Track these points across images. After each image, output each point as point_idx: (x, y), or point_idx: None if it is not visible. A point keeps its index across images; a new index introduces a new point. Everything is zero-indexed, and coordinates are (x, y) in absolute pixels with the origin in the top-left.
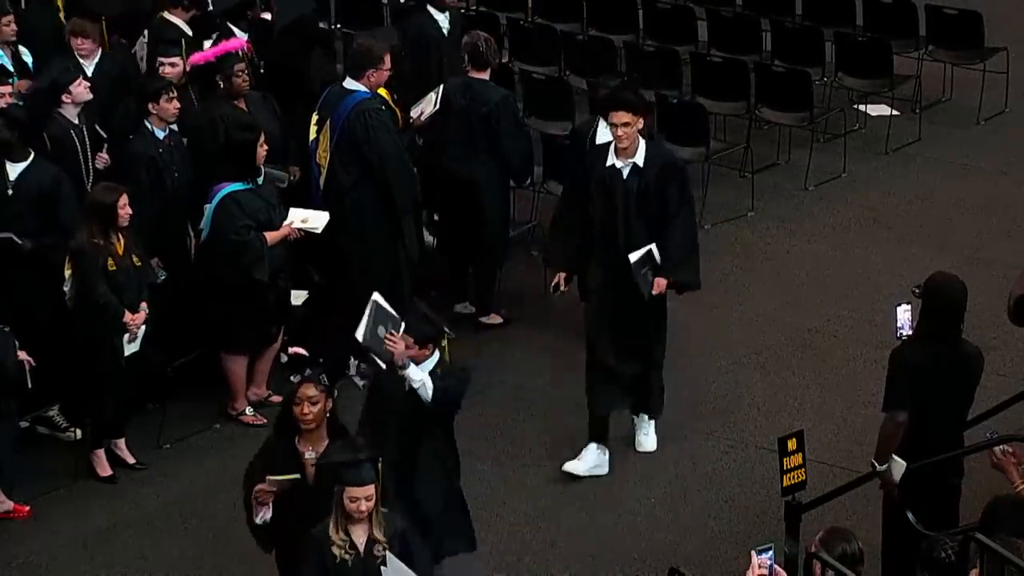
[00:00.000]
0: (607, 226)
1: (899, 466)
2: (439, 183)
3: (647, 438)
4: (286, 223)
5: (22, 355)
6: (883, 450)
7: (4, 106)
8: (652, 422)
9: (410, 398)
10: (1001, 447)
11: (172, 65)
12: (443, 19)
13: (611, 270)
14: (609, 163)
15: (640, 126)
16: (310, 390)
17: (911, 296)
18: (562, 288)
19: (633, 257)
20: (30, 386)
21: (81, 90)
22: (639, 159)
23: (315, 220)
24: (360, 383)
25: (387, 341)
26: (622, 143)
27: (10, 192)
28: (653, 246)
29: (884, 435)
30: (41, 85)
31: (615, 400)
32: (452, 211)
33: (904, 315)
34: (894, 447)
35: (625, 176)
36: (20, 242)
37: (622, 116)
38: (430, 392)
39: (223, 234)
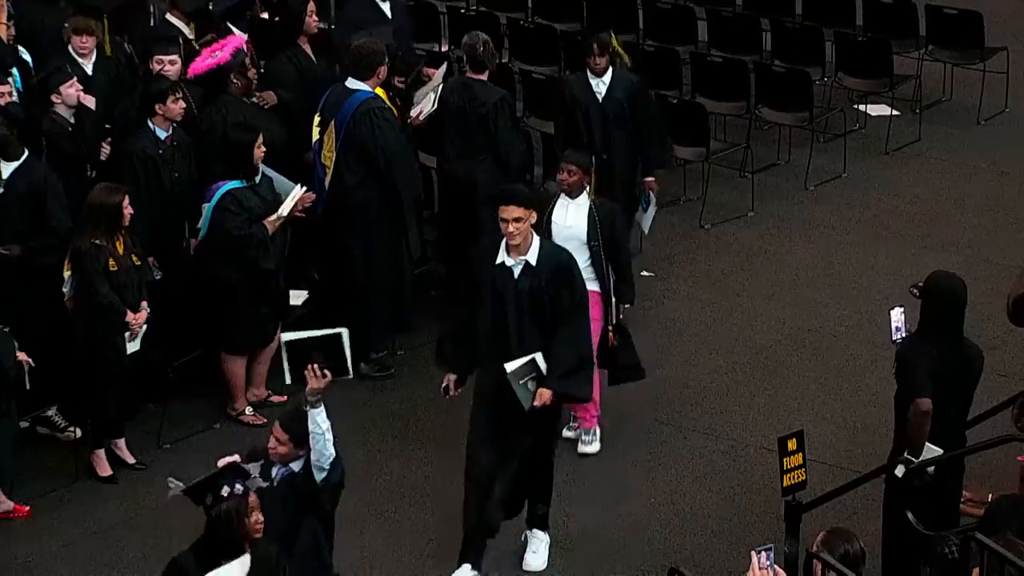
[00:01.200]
0: (497, 330)
1: (933, 450)
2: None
3: (535, 556)
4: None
5: (21, 356)
6: (916, 442)
7: (2, 104)
8: (544, 537)
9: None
10: None
11: (171, 63)
12: (385, 7)
13: (501, 378)
14: (499, 260)
15: (534, 220)
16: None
17: (909, 297)
18: (451, 392)
19: (511, 367)
20: (28, 387)
21: (71, 92)
22: (532, 257)
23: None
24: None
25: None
26: (513, 240)
27: (1, 190)
28: (537, 355)
29: (914, 426)
30: (34, 83)
31: (497, 516)
32: (450, 211)
33: (898, 318)
34: (925, 436)
35: (516, 275)
36: (7, 251)
37: (513, 211)
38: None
39: (224, 231)
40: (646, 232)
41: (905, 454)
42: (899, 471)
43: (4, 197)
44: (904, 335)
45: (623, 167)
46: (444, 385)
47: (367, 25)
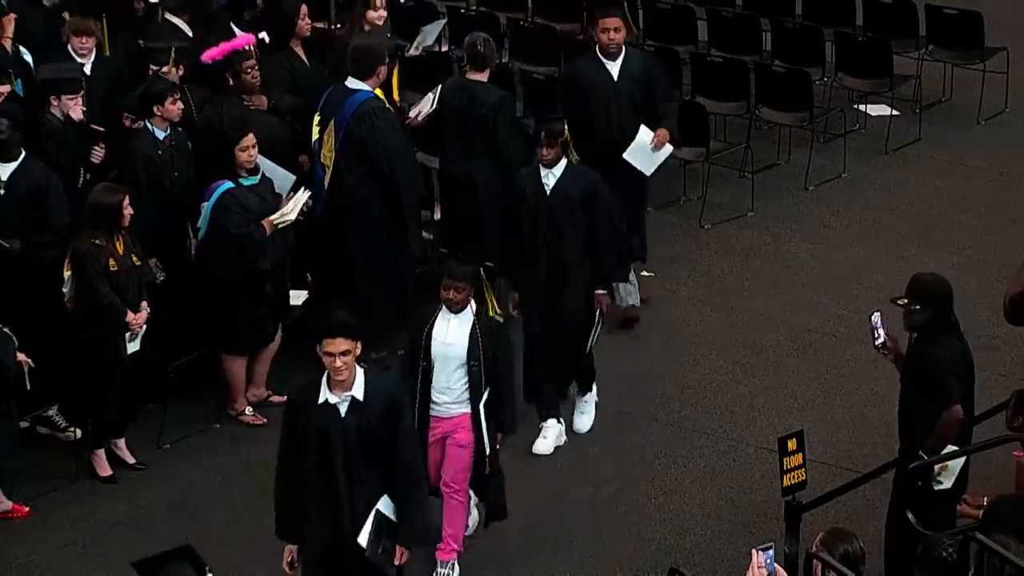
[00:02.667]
0: (324, 476)
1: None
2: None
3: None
4: (273, 218)
5: (21, 357)
6: (941, 445)
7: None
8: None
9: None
10: None
11: (164, 74)
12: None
13: (333, 533)
14: (322, 399)
15: (358, 352)
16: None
17: (903, 300)
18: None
19: (363, 539)
20: (28, 388)
21: (71, 104)
22: (358, 391)
23: (292, 208)
24: None
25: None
26: (339, 375)
27: (1, 192)
28: (380, 504)
29: (948, 432)
30: (38, 78)
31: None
32: (450, 212)
33: (878, 321)
34: (950, 441)
35: (343, 414)
36: (7, 244)
37: (340, 344)
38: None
39: (223, 230)
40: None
41: (923, 456)
42: (938, 483)
43: (4, 198)
44: (884, 339)
45: (575, 267)
46: (286, 561)
47: None
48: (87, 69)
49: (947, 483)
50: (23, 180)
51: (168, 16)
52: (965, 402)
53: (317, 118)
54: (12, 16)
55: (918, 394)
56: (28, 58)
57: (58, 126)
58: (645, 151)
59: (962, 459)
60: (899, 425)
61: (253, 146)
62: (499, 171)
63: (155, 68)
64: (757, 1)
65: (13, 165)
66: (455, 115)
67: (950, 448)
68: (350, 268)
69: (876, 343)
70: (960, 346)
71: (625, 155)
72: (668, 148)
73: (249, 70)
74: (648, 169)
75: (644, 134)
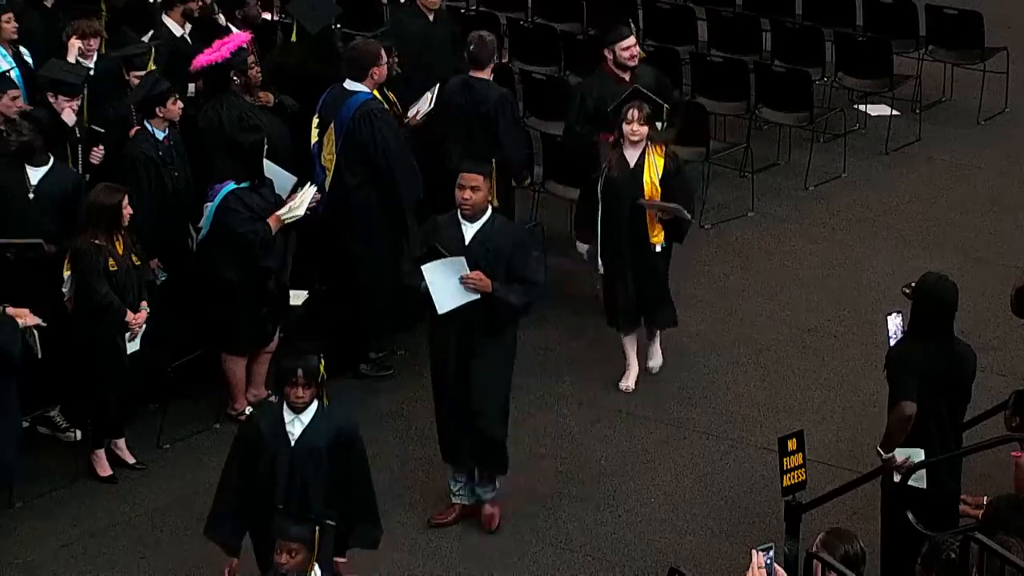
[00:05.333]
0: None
1: (917, 453)
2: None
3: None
4: (281, 213)
5: (29, 319)
6: (892, 441)
7: (16, 111)
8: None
9: None
10: None
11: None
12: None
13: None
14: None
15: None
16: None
17: (906, 301)
18: None
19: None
20: (40, 355)
21: (65, 106)
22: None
23: (300, 203)
24: None
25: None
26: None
27: (31, 196)
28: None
29: (895, 428)
30: (41, 73)
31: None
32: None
33: (895, 324)
34: (902, 438)
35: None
36: (48, 248)
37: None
38: None
39: (228, 230)
40: None
41: (878, 448)
42: (896, 477)
43: (34, 203)
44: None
45: None
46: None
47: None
48: (91, 71)
49: (919, 483)
50: (53, 185)
51: (164, 17)
52: (944, 406)
53: (316, 120)
54: (10, 15)
55: (890, 394)
56: (28, 58)
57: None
58: (451, 278)
59: (921, 457)
60: None
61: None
62: (501, 170)
63: (136, 74)
64: (757, 1)
65: (43, 170)
66: (457, 113)
67: (915, 452)
68: (350, 268)
69: (891, 343)
70: (938, 350)
71: (425, 267)
72: (476, 295)
73: (253, 66)
74: (442, 303)
75: (457, 264)
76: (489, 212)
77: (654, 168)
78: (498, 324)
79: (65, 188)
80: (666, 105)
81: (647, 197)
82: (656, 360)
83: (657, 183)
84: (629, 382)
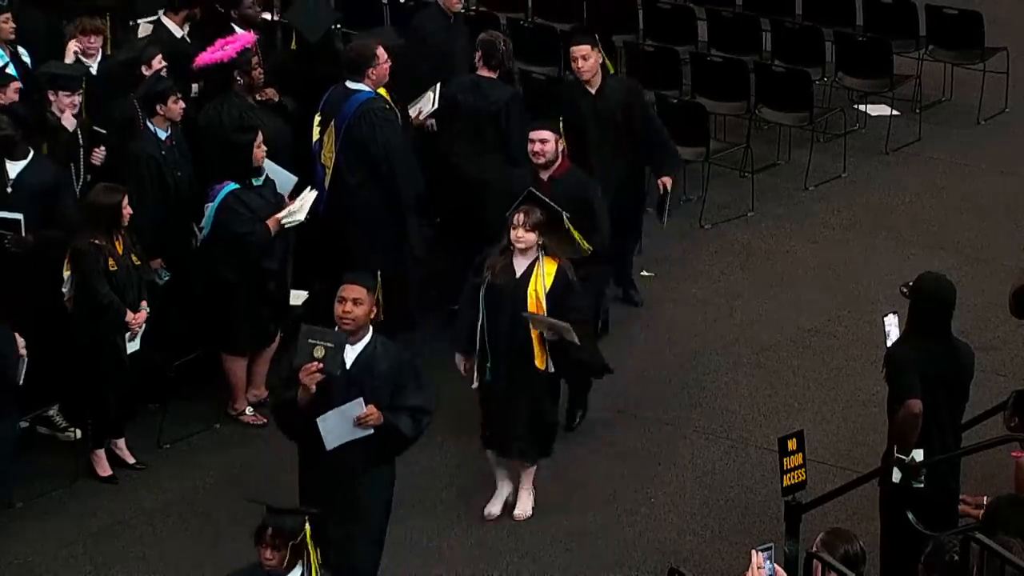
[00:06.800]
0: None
1: (917, 453)
2: (447, 182)
3: None
4: (280, 216)
5: (20, 345)
6: (906, 443)
7: (4, 104)
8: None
9: None
10: None
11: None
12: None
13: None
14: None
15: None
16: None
17: (903, 301)
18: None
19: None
20: (21, 383)
21: (66, 102)
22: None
23: (300, 208)
24: None
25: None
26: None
27: (9, 190)
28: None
29: (906, 427)
30: (40, 71)
31: None
32: (457, 210)
33: (892, 325)
34: (916, 437)
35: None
36: (24, 234)
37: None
38: None
39: (228, 230)
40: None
41: (896, 454)
42: (896, 476)
43: (12, 197)
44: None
45: None
46: None
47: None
48: (93, 70)
49: (918, 484)
50: (32, 179)
51: (162, 17)
52: (943, 405)
53: (318, 119)
54: (8, 16)
55: (889, 395)
56: (26, 58)
57: (55, 123)
58: (347, 422)
59: (920, 457)
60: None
61: (259, 145)
62: (509, 168)
63: (144, 70)
64: (757, 1)
65: (22, 164)
66: (465, 112)
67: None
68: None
69: (888, 344)
70: (937, 350)
71: (320, 419)
72: (369, 431)
73: (256, 66)
74: (330, 439)
75: (354, 407)
76: (371, 333)
77: (541, 280)
78: (383, 455)
79: (45, 182)
80: (566, 215)
81: (531, 311)
82: (523, 507)
83: (543, 297)
84: (494, 508)
